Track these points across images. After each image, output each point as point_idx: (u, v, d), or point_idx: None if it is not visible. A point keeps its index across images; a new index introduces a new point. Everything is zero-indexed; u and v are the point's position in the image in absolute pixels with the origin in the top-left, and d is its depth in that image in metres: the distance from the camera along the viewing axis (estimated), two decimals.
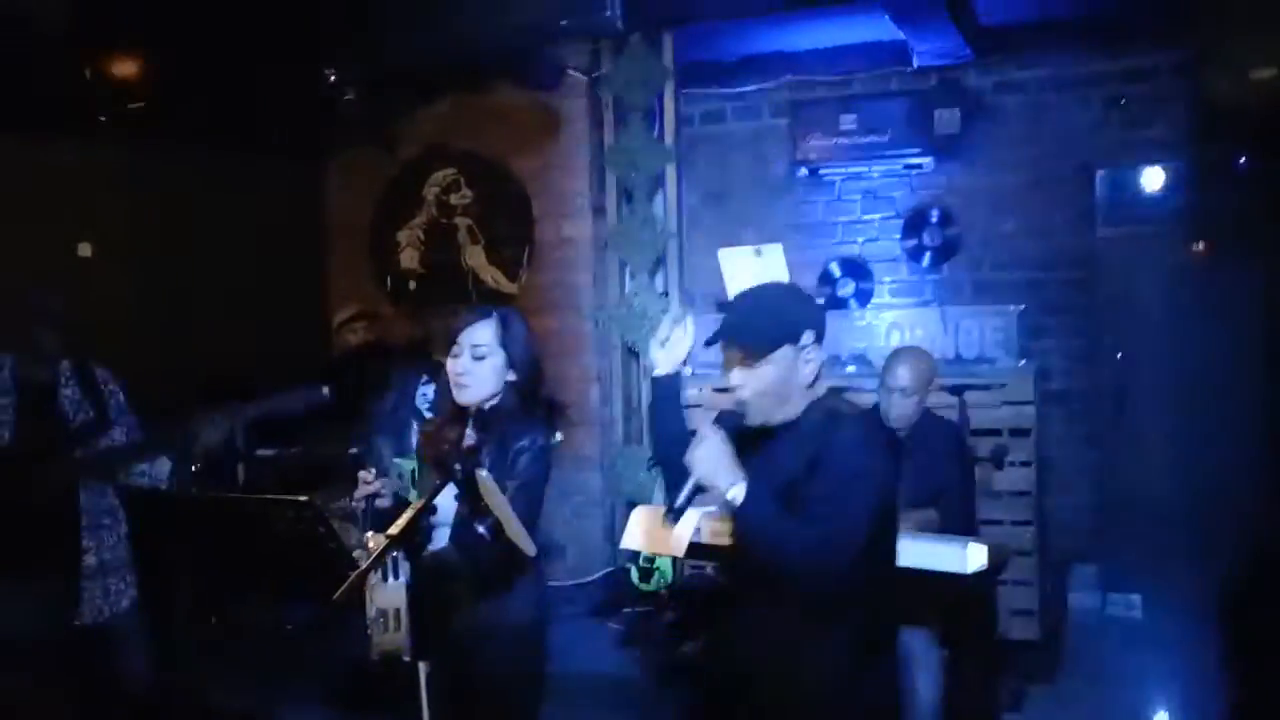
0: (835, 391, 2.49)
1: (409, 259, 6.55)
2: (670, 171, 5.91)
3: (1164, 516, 5.78)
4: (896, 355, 3.99)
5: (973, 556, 3.26)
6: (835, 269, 6.33)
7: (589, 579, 5.78)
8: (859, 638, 2.32)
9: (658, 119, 5.88)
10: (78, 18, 4.22)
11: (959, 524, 3.63)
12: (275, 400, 3.29)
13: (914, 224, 6.24)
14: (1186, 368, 5.79)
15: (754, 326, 2.37)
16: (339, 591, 2.41)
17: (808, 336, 2.35)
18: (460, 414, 2.88)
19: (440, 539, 2.80)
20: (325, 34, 4.97)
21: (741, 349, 2.37)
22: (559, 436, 2.90)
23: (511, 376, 2.85)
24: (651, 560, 5.17)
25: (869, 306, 6.16)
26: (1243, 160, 5.55)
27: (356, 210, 6.62)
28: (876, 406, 3.99)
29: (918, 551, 3.31)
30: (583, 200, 6.08)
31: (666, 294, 5.86)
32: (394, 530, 2.48)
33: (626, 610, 5.48)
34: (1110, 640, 5.40)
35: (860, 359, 5.36)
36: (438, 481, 2.61)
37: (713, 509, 2.55)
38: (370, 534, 2.65)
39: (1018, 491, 4.86)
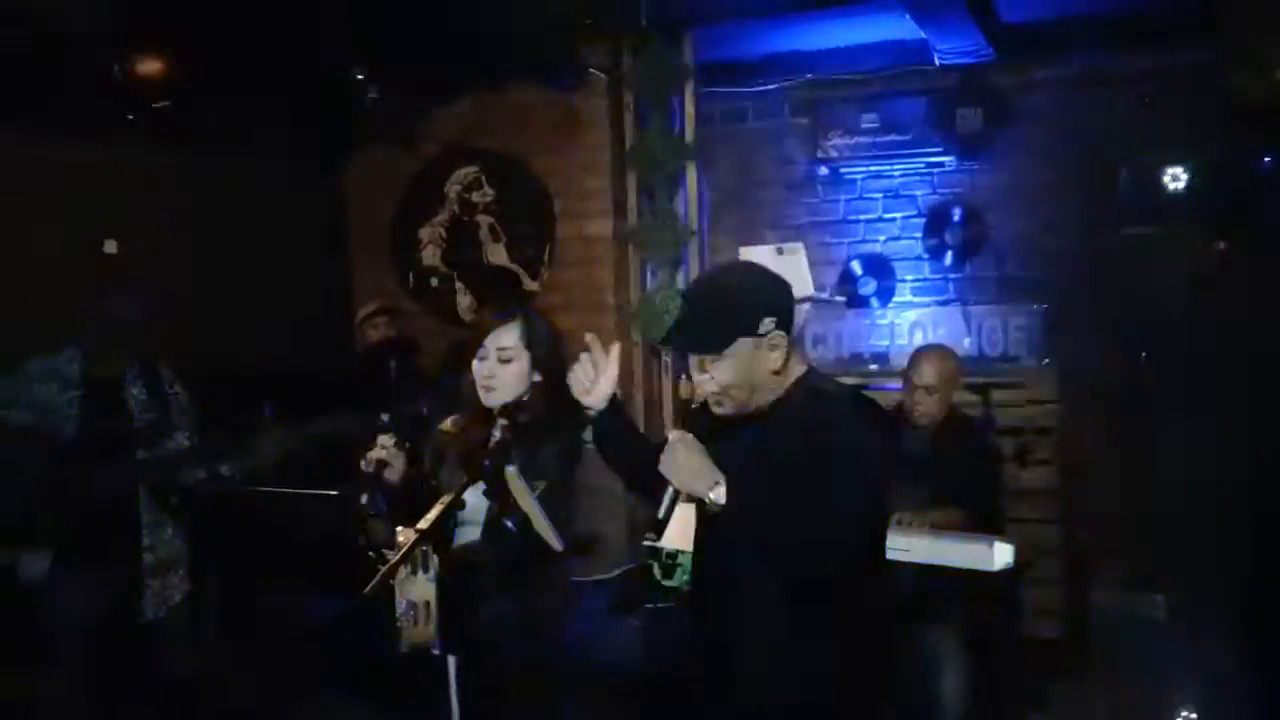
0: (818, 372, 2.39)
1: (430, 256, 6.57)
2: (691, 170, 5.90)
3: (1188, 516, 5.75)
4: (921, 353, 4.01)
5: (999, 554, 3.26)
6: (857, 267, 6.33)
7: (611, 575, 5.78)
8: (850, 630, 2.23)
9: (678, 117, 5.87)
10: (106, 18, 4.25)
11: (985, 522, 3.63)
12: (329, 426, 3.29)
13: (936, 222, 6.23)
14: (1211, 367, 5.76)
15: (702, 327, 2.28)
16: (369, 586, 2.43)
17: (767, 323, 2.23)
18: (485, 414, 2.89)
19: (464, 536, 2.82)
20: (348, 33, 4.98)
21: (693, 351, 2.30)
22: (589, 438, 2.90)
23: (537, 378, 2.86)
24: (674, 556, 5.18)
25: (891, 305, 6.16)
26: (1268, 158, 5.52)
27: (379, 208, 6.66)
28: (900, 405, 4.01)
29: (943, 549, 3.32)
30: (604, 198, 6.08)
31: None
32: (423, 524, 2.50)
33: (648, 606, 5.48)
34: (1134, 639, 5.39)
35: (882, 357, 5.36)
36: (466, 478, 2.63)
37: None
38: (400, 528, 2.67)
39: (1041, 490, 4.85)
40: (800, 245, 5.69)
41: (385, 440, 2.85)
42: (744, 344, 2.23)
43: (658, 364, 6.04)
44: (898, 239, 6.36)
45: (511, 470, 2.58)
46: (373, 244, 6.68)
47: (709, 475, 2.15)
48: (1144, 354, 5.93)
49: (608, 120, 6.03)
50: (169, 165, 5.35)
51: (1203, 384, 5.81)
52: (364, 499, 2.79)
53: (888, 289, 6.28)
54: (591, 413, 2.50)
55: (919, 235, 6.28)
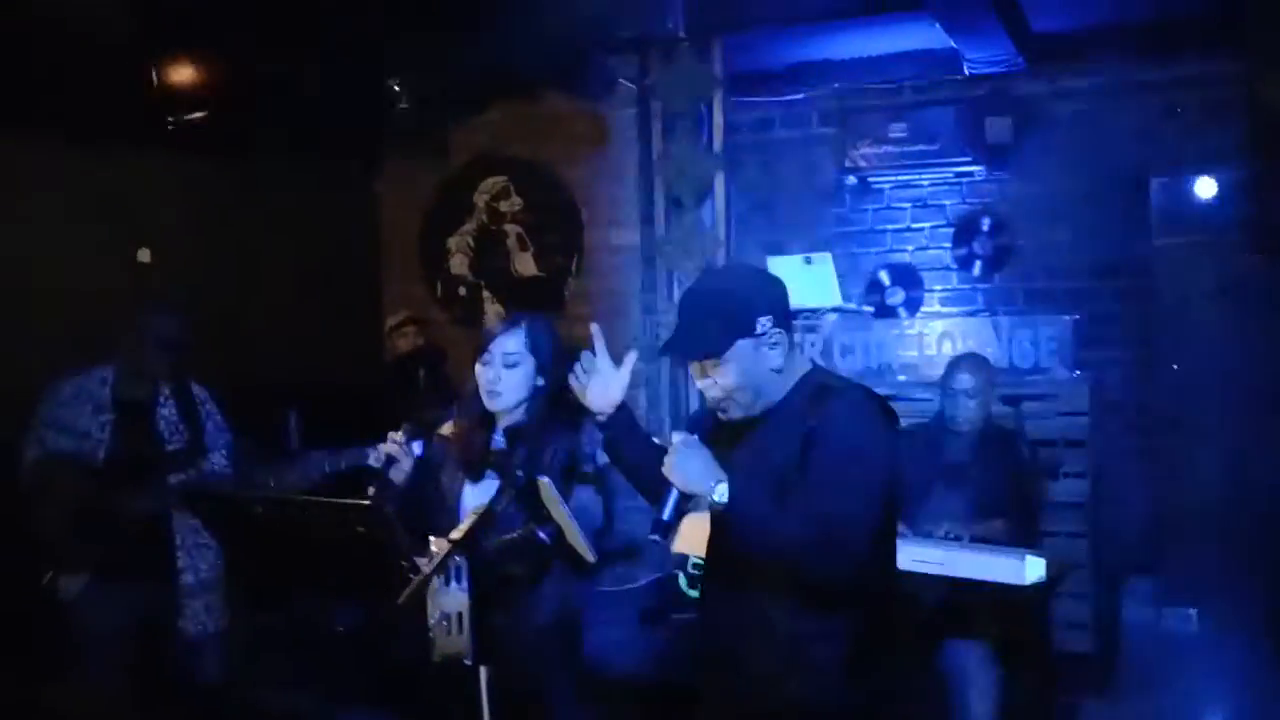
0: (823, 369, 2.38)
1: (459, 265, 6.61)
2: (719, 179, 5.90)
3: (1220, 530, 5.68)
4: (958, 360, 4.05)
5: (1030, 568, 3.24)
6: (884, 277, 6.30)
7: (637, 584, 5.78)
8: (856, 640, 2.20)
9: (706, 127, 5.87)
10: (142, 27, 4.29)
11: (1022, 536, 3.62)
12: (362, 452, 3.30)
13: (965, 232, 6.20)
14: (1243, 379, 5.69)
15: (697, 333, 2.27)
16: (402, 596, 2.44)
17: (764, 323, 2.22)
18: (488, 419, 2.92)
19: None
20: (381, 44, 5.02)
21: (690, 358, 2.30)
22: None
23: (540, 382, 2.89)
24: (699, 566, 5.16)
25: (919, 315, 6.13)
26: None
27: (408, 217, 6.69)
28: (940, 413, 4.00)
29: (975, 562, 3.30)
30: (631, 208, 6.11)
31: None
32: (456, 535, 2.50)
33: (675, 616, 5.47)
34: (1165, 654, 5.33)
35: (911, 368, 5.33)
36: (500, 487, 2.64)
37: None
38: (433, 539, 2.67)
39: (1072, 503, 4.81)
40: (828, 255, 5.68)
41: (395, 436, 2.87)
42: (743, 345, 2.23)
43: (684, 371, 6.03)
44: (926, 249, 6.33)
45: (545, 481, 2.58)
46: (402, 253, 6.72)
47: (710, 475, 2.15)
48: (1175, 366, 5.88)
49: (636, 130, 6.05)
50: (200, 175, 5.40)
51: (1235, 396, 5.75)
52: (370, 490, 2.82)
53: (915, 299, 6.25)
54: (602, 419, 2.50)
55: (947, 245, 6.25)
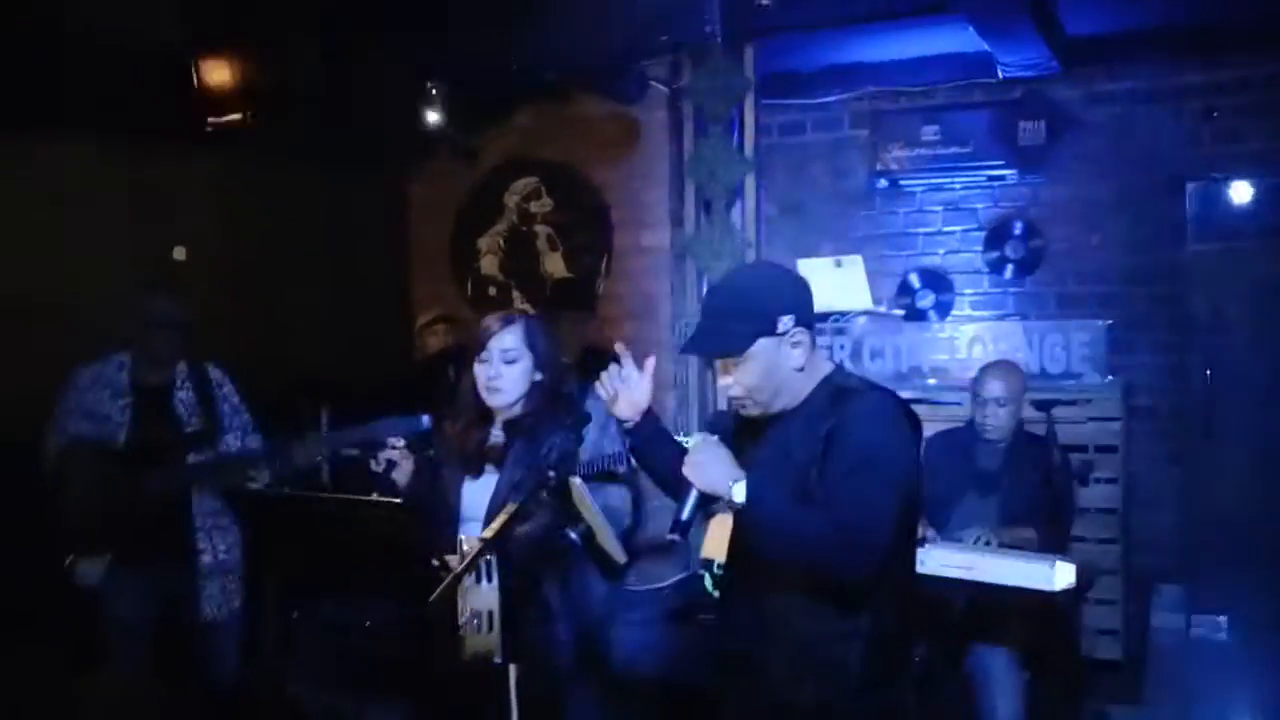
0: (844, 370, 2.39)
1: (489, 265, 6.65)
2: (750, 182, 5.90)
3: (1252, 537, 5.64)
4: (989, 368, 4.03)
5: (1060, 574, 3.22)
6: (915, 280, 6.29)
7: (663, 584, 5.79)
8: (874, 641, 2.20)
9: (737, 129, 5.87)
10: (181, 29, 4.35)
11: (1053, 543, 3.61)
12: (373, 428, 3.36)
13: (997, 236, 6.18)
14: (1277, 386, 5.65)
15: (718, 330, 2.28)
16: (434, 594, 2.47)
17: (785, 322, 2.23)
18: (486, 415, 2.97)
19: (466, 534, 2.85)
20: (415, 46, 5.06)
21: (712, 355, 2.32)
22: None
23: (538, 377, 2.94)
24: (725, 568, 5.17)
25: (950, 319, 6.11)
26: None
27: (439, 217, 6.74)
28: (972, 420, 3.99)
29: (1005, 568, 3.29)
30: (661, 210, 6.12)
31: None
32: (487, 534, 2.53)
33: (701, 617, 5.48)
34: (1196, 661, 5.29)
35: (941, 371, 5.32)
36: (530, 486, 2.66)
37: None
38: (464, 537, 2.71)
39: (1103, 509, 4.79)
40: (858, 258, 5.68)
41: (395, 442, 2.94)
42: (764, 344, 2.24)
43: (713, 372, 6.04)
44: (957, 252, 6.30)
45: (576, 482, 2.61)
46: (433, 252, 6.77)
47: (728, 474, 2.17)
48: (1209, 371, 5.83)
49: (667, 132, 6.07)
50: (233, 174, 5.45)
51: (1269, 402, 5.70)
52: (373, 496, 2.87)
53: (946, 303, 6.23)
54: (628, 425, 2.53)
55: (979, 249, 6.23)
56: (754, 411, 2.31)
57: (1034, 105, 5.91)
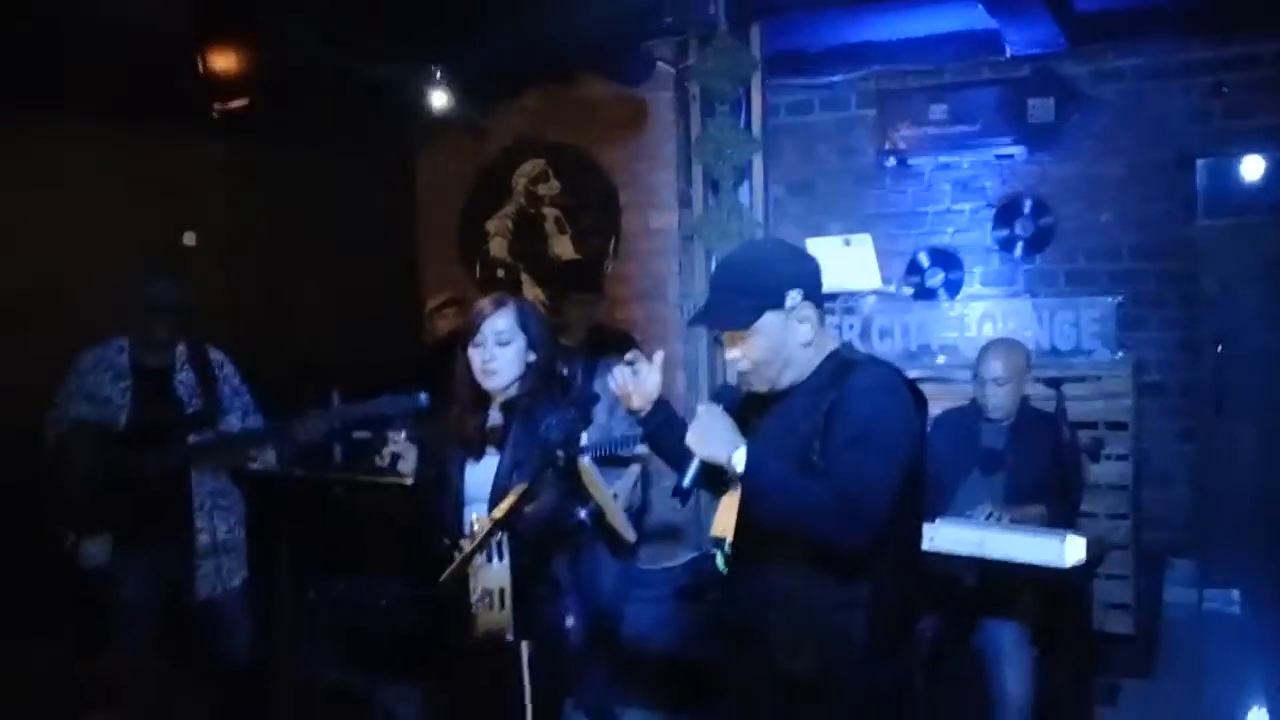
0: (850, 346, 2.40)
1: (498, 248, 6.65)
2: (757, 162, 5.88)
3: (1262, 511, 5.64)
4: (989, 347, 4.01)
5: (1070, 550, 3.22)
6: (924, 259, 6.28)
7: (674, 564, 5.81)
8: (875, 611, 2.21)
9: (744, 110, 5.86)
10: (186, 11, 4.35)
11: (1062, 519, 3.61)
12: (373, 405, 3.39)
13: (1006, 214, 6.17)
14: None
15: (726, 303, 2.30)
16: (446, 573, 2.49)
17: (794, 296, 2.25)
18: (483, 398, 2.99)
19: (470, 515, 2.88)
20: (422, 28, 5.05)
21: (720, 328, 2.32)
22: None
23: (532, 358, 2.96)
24: None
25: (959, 297, 6.11)
26: None
27: (448, 200, 6.74)
28: (974, 400, 3.99)
29: (1015, 544, 3.29)
30: (669, 191, 6.11)
31: None
32: (498, 513, 2.55)
33: (711, 596, 5.50)
34: (1207, 636, 5.31)
35: (951, 349, 5.31)
36: (537, 465, 2.68)
37: None
38: (475, 515, 2.72)
39: (1114, 485, 4.79)
40: (867, 236, 5.65)
41: (396, 437, 3.01)
42: (771, 319, 2.26)
43: (721, 353, 6.04)
44: (966, 231, 6.29)
45: (586, 462, 2.62)
46: (441, 236, 6.78)
47: (729, 442, 2.18)
48: (1219, 347, 5.82)
49: (674, 113, 6.06)
50: (239, 157, 5.46)
51: (1278, 375, 5.69)
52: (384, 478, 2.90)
53: (955, 281, 6.23)
54: (642, 415, 2.53)
55: (988, 227, 6.22)
56: (760, 387, 2.33)
57: (1042, 83, 5.89)
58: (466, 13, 5.00)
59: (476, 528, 2.62)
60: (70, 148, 4.72)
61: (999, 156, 6.12)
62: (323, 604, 4.53)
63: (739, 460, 2.16)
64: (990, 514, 3.61)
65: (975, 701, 3.67)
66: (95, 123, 4.69)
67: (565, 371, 3.05)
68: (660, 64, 5.91)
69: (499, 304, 2.98)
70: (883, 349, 5.45)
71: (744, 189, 5.91)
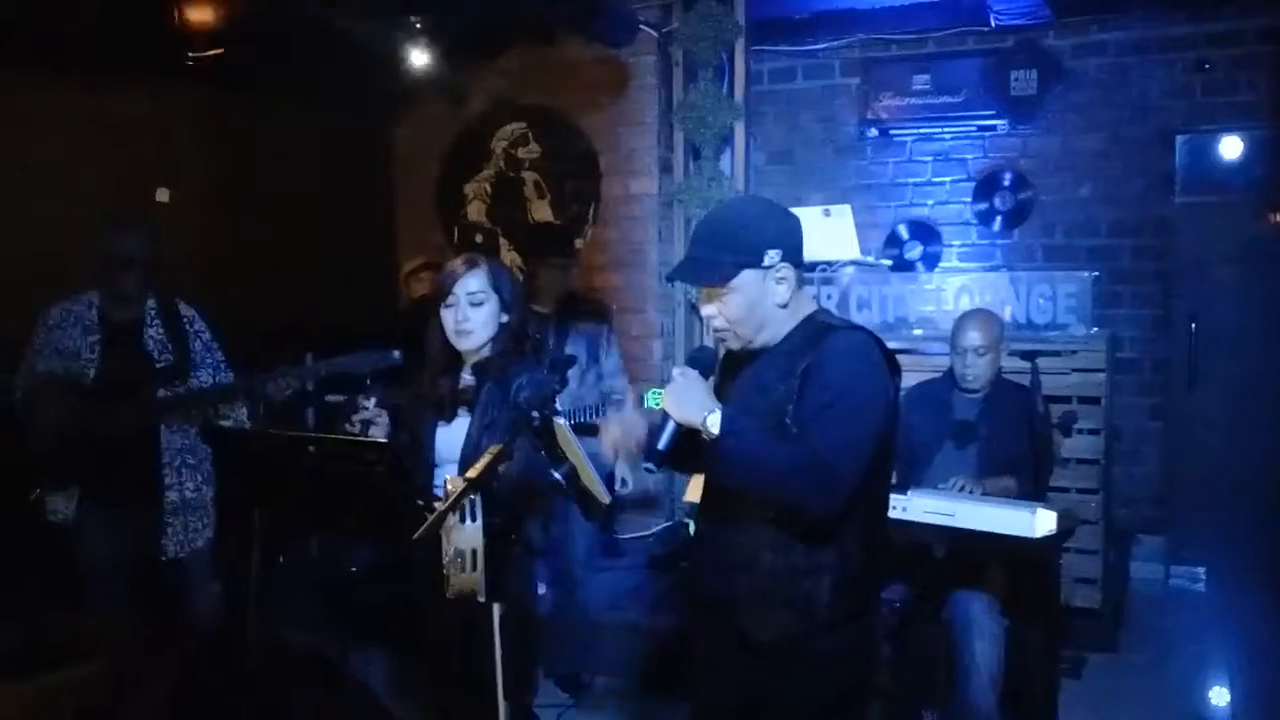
0: (827, 310, 2.40)
1: (476, 212, 6.60)
2: (739, 129, 5.86)
3: (1231, 489, 5.70)
4: (965, 317, 4.02)
5: (1041, 522, 3.24)
6: (903, 231, 6.28)
7: (649, 532, 5.82)
8: (841, 577, 2.22)
9: (727, 76, 5.83)
10: None
11: (1033, 492, 3.62)
12: (345, 361, 3.37)
13: (986, 187, 6.16)
14: (1261, 339, 5.68)
15: (705, 259, 2.28)
16: (418, 532, 2.48)
17: (772, 256, 2.24)
18: (455, 359, 2.99)
19: (441, 476, 2.86)
20: None
21: (697, 284, 2.31)
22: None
23: (505, 319, 2.97)
24: None
25: (938, 270, 6.11)
26: None
27: (425, 163, 6.68)
28: (950, 371, 3.99)
29: (986, 515, 3.30)
30: (650, 157, 6.07)
31: None
32: (472, 473, 2.53)
33: (684, 565, 5.51)
34: (1173, 612, 5.37)
35: (928, 322, 5.32)
36: (510, 426, 2.66)
37: None
38: (449, 476, 2.70)
39: (1085, 459, 4.81)
40: (847, 207, 5.65)
41: (366, 403, 2.99)
42: (749, 276, 2.25)
43: (700, 322, 6.04)
44: (946, 203, 6.29)
45: (561, 422, 2.61)
46: (419, 199, 6.72)
47: (704, 406, 2.18)
48: (1193, 324, 5.85)
49: (656, 77, 6.01)
50: (216, 116, 5.39)
51: (1251, 355, 5.73)
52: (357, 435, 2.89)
53: (934, 254, 6.23)
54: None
55: (968, 200, 6.22)
56: (735, 345, 2.33)
57: (1026, 55, 5.87)
58: None
59: (450, 488, 2.61)
60: (40, 98, 4.64)
61: (981, 128, 6.12)
62: (294, 566, 4.51)
63: (714, 424, 2.15)
64: (962, 486, 3.62)
65: (944, 671, 3.69)
66: (73, 78, 4.62)
67: (538, 336, 3.03)
68: (643, 27, 5.85)
69: (471, 264, 2.98)
70: (860, 320, 5.43)
71: (725, 156, 5.89)
